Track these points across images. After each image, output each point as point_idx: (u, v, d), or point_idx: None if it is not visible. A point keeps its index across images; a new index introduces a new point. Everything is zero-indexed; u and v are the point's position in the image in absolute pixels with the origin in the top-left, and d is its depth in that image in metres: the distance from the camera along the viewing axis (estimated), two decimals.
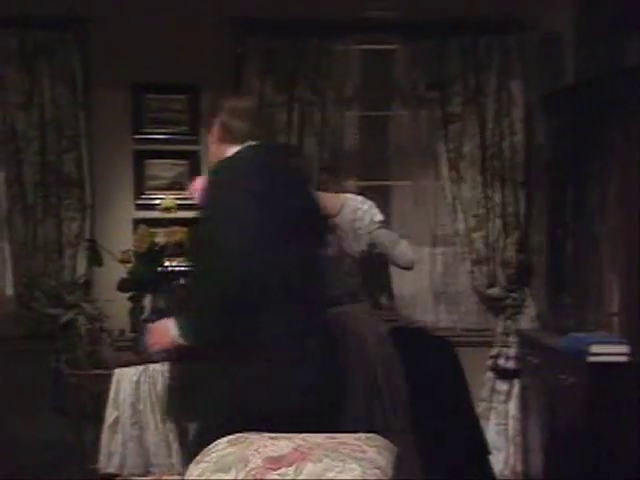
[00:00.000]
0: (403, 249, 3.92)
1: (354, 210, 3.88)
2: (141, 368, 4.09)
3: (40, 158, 4.75)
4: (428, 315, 5.00)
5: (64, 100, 4.77)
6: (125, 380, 4.08)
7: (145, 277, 4.39)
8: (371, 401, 3.68)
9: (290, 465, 2.07)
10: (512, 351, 4.92)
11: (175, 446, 4.02)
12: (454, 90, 4.90)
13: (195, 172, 4.89)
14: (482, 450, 4.37)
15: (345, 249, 3.82)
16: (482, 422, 4.74)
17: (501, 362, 4.93)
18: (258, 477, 2.05)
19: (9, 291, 4.81)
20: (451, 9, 4.80)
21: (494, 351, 4.95)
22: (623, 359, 3.77)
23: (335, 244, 3.74)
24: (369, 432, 2.41)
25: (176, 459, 4.01)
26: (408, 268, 4.01)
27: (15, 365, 4.53)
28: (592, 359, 3.78)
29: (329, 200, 3.77)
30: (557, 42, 4.86)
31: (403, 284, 4.96)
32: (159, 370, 4.05)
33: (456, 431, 4.13)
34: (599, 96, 4.19)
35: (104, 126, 4.82)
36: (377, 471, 2.10)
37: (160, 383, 4.04)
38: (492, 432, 4.84)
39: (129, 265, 4.44)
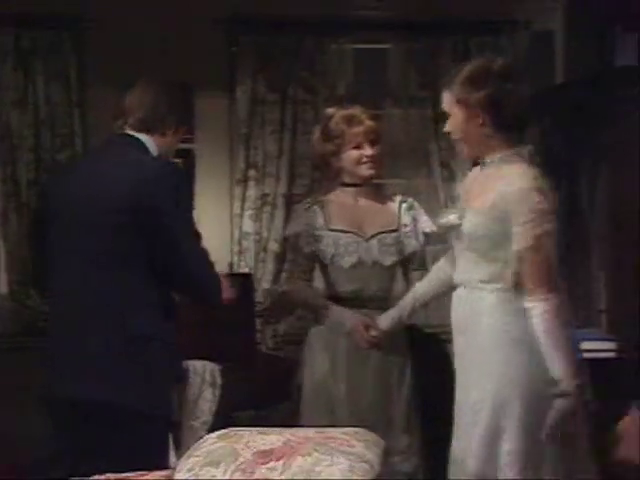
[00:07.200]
0: None
1: None
2: None
3: (34, 156, 4.78)
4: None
5: (59, 99, 4.79)
6: None
7: None
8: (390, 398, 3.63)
9: (279, 459, 2.10)
10: None
11: None
12: None
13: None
14: None
15: None
16: None
17: None
18: (248, 471, 2.07)
19: (3, 289, 4.83)
20: (444, 9, 4.83)
21: None
22: (611, 355, 3.81)
23: None
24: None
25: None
26: None
27: (10, 362, 4.55)
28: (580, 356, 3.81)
29: None
30: (548, 42, 4.90)
31: None
32: None
33: None
34: (590, 95, 4.22)
35: (98, 125, 4.83)
36: (365, 465, 2.12)
37: None
38: None
39: None
